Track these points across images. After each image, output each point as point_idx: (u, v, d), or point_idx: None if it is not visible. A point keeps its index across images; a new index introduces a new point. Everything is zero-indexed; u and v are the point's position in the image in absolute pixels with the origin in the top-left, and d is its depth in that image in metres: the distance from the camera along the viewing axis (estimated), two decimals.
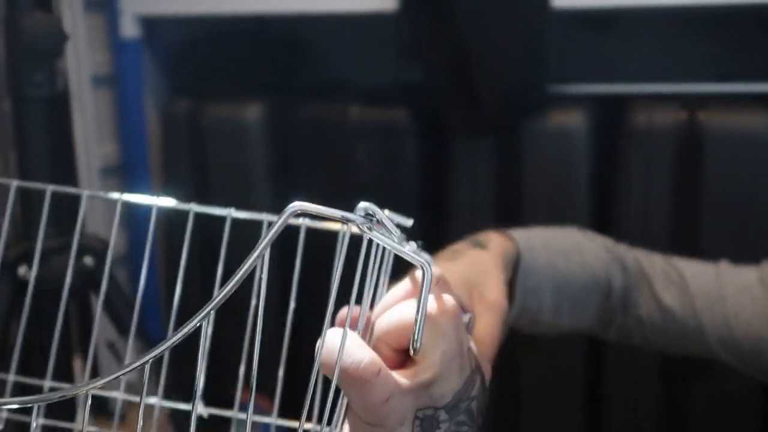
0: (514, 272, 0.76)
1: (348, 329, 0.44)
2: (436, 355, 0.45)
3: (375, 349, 0.46)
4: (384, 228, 0.45)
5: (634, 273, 0.83)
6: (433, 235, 1.88)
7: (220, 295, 0.40)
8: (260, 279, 0.42)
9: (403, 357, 0.48)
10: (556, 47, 1.70)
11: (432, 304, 0.46)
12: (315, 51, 2.27)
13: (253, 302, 0.68)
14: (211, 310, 0.40)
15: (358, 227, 0.43)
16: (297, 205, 0.41)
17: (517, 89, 1.68)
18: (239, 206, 2.23)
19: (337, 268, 0.44)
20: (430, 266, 0.44)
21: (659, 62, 2.08)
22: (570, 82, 1.87)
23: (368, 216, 0.44)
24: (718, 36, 1.96)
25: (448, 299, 0.47)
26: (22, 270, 0.90)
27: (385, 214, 0.45)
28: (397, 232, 0.47)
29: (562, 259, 0.78)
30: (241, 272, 0.40)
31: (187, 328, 0.40)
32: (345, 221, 0.42)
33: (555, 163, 1.72)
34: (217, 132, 1.97)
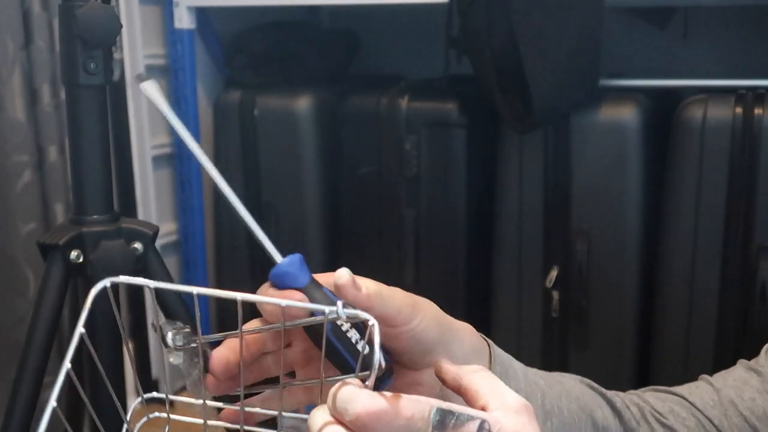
0: None
1: None
2: None
3: None
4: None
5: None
6: (482, 227, 1.88)
7: None
8: None
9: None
10: (610, 41, 1.68)
11: None
12: (366, 42, 2.28)
13: None
14: None
15: None
16: None
17: (569, 82, 1.66)
18: (289, 197, 2.22)
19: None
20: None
21: (715, 57, 2.05)
22: (623, 76, 1.84)
23: None
24: None
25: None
26: (73, 254, 0.91)
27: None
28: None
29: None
30: None
31: None
32: None
33: (606, 157, 1.70)
34: (268, 122, 1.98)
